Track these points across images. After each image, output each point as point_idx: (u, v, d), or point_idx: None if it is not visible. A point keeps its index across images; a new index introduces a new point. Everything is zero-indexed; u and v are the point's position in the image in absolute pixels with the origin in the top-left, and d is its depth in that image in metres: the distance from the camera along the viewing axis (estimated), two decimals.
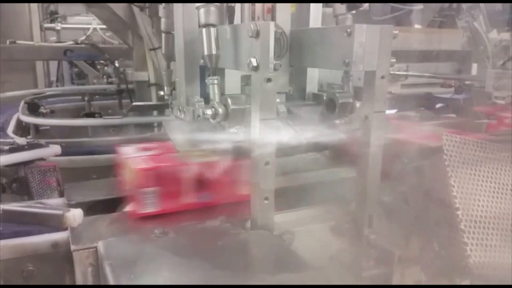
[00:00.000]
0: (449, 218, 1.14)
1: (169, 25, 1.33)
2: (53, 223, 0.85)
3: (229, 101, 1.06)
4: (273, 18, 1.24)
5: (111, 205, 1.27)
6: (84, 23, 5.75)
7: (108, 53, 3.17)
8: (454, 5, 3.76)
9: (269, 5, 1.21)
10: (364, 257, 1.17)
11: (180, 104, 1.26)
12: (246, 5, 1.21)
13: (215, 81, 1.06)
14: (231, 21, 1.24)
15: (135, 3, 2.11)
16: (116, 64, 3.08)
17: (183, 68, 1.22)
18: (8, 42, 3.14)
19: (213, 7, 1.01)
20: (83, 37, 4.44)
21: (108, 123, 1.99)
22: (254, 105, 0.99)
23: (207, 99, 1.23)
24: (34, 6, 5.09)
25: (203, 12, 1.02)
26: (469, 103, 2.49)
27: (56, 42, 6.22)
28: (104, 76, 3.79)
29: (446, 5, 3.90)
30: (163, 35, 1.37)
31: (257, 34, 0.93)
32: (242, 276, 0.84)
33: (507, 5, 3.32)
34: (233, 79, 1.26)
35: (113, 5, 2.35)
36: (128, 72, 2.81)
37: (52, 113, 2.62)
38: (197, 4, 1.02)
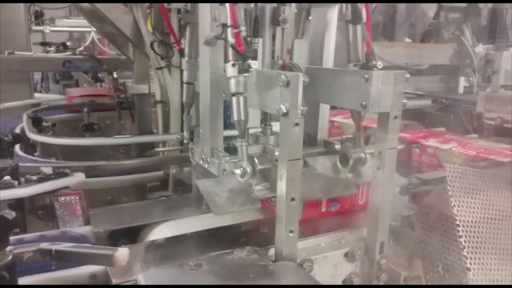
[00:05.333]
0: (453, 245, 1.26)
1: (191, 77, 1.47)
2: (103, 263, 0.91)
3: (256, 161, 1.16)
4: (291, 57, 1.32)
5: (135, 232, 1.34)
6: (73, 26, 5.74)
7: (106, 64, 3.19)
8: (442, 17, 3.90)
9: (288, 45, 1.29)
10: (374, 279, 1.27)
11: (204, 154, 1.36)
12: (267, 45, 1.29)
13: (244, 144, 1.15)
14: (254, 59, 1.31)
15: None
16: (115, 75, 3.12)
17: (208, 122, 1.33)
18: (6, 53, 3.14)
19: (242, 78, 1.10)
20: (81, 48, 4.42)
21: (120, 142, 2.05)
22: (282, 146, 1.07)
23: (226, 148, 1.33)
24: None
25: (234, 82, 1.10)
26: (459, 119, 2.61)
27: (41, 43, 6.20)
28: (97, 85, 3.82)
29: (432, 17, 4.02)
30: (184, 85, 1.49)
31: (287, 84, 1.02)
32: None
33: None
34: (252, 113, 1.34)
35: (118, 23, 2.39)
36: (128, 85, 2.84)
37: (53, 126, 2.64)
38: (228, 75, 1.11)
